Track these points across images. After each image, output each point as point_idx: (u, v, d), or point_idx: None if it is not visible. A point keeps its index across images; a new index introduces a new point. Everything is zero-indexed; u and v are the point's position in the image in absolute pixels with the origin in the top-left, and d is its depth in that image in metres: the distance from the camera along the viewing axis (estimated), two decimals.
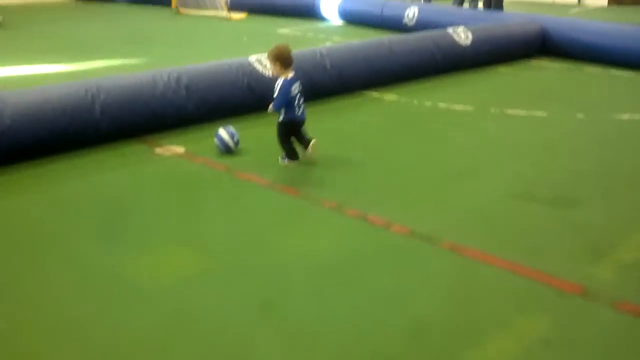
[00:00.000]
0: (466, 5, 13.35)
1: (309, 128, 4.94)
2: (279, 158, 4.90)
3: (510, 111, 6.39)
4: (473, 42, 8.33)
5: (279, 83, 4.69)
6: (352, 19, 12.84)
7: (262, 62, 6.25)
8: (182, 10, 15.19)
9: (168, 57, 9.19)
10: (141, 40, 11.28)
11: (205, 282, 3.29)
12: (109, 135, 5.31)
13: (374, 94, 7.11)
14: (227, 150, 5.08)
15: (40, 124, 4.94)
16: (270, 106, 4.74)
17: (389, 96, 7.05)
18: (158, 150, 5.25)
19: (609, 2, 18.00)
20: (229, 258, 3.53)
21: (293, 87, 4.72)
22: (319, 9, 13.48)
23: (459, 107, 6.57)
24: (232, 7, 14.45)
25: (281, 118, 4.80)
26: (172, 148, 5.28)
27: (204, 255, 3.57)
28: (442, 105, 6.66)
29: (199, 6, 14.87)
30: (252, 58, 6.31)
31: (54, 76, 8.26)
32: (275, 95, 4.71)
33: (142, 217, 4.05)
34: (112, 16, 15.10)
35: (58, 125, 5.01)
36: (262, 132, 5.37)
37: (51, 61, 9.28)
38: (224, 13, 14.13)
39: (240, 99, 6.05)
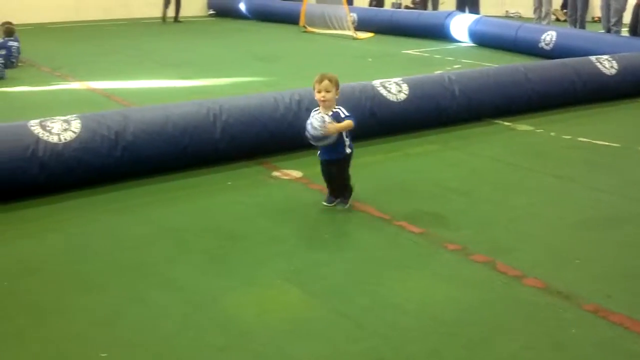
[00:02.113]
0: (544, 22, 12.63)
1: (434, 158, 4.56)
2: (339, 201, 4.40)
3: None
4: (618, 71, 7.59)
5: (339, 107, 4.19)
6: (484, 41, 12.30)
7: (386, 87, 5.96)
8: (310, 28, 15.26)
9: (292, 76, 9.15)
10: (267, 57, 11.37)
11: (311, 326, 3.02)
12: (227, 155, 5.24)
13: (505, 123, 6.61)
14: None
15: (161, 141, 4.93)
16: (350, 122, 4.13)
17: (523, 126, 6.52)
18: (275, 173, 5.09)
19: None
20: (338, 302, 3.24)
21: None
22: (449, 29, 13.04)
23: (602, 142, 5.94)
24: (359, 27, 14.33)
25: (349, 148, 4.26)
26: (289, 172, 5.10)
27: (313, 296, 3.30)
28: (582, 139, 6.05)
29: (326, 25, 14.88)
30: (377, 82, 6.04)
31: (179, 91, 8.44)
32: (344, 113, 4.15)
33: (252, 246, 3.86)
34: (241, 32, 15.47)
35: (178, 143, 4.99)
36: (383, 159, 5.07)
37: (177, 76, 9.52)
38: (350, 32, 14.04)
39: (361, 123, 5.78)
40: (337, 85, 4.12)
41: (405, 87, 6.05)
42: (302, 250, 3.83)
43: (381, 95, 5.90)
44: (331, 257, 3.74)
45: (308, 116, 4.19)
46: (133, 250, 3.81)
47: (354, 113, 4.31)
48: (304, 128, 4.11)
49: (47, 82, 9.63)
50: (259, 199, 4.63)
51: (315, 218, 4.30)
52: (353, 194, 4.37)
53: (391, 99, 5.89)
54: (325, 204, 4.35)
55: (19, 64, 11.05)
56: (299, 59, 11.36)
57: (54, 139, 4.58)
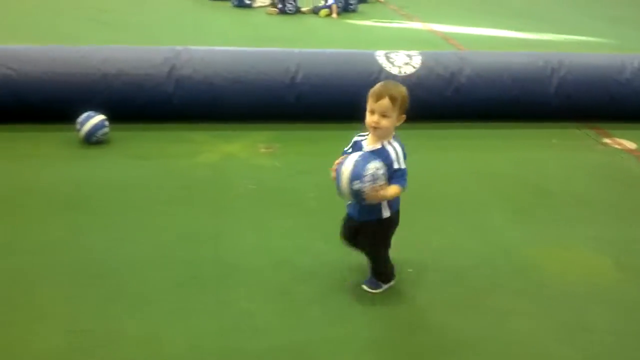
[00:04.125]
0: None
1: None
2: (367, 280, 2.85)
3: None
4: None
5: (396, 147, 2.56)
6: None
7: None
8: None
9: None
10: (617, 18, 10.44)
11: (615, 297, 2.86)
12: (558, 113, 5.07)
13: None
14: None
15: (494, 88, 4.97)
16: (399, 187, 2.53)
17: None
18: (606, 140, 4.78)
19: None
20: None
21: None
22: None
23: None
24: None
25: (389, 210, 2.64)
26: (622, 142, 4.74)
27: (623, 269, 3.10)
28: None
29: None
30: None
31: (512, 41, 8.29)
32: (399, 163, 2.54)
33: (561, 206, 3.73)
34: None
35: (510, 92, 4.97)
36: None
37: (512, 27, 9.33)
38: None
39: None
40: (402, 106, 2.54)
41: None
42: (612, 220, 3.59)
43: None
44: None
45: None
46: (443, 185, 3.97)
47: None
48: None
49: (392, 19, 10.25)
50: (580, 162, 4.42)
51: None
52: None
53: None
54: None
55: (371, 0, 11.92)
56: None
57: (394, 70, 4.92)
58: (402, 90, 2.55)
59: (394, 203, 2.62)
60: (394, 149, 2.53)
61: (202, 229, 3.24)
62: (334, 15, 10.28)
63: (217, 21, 9.52)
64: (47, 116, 4.48)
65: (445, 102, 4.96)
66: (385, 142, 2.55)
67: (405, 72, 4.91)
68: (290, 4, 10.48)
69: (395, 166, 2.51)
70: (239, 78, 4.77)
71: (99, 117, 4.27)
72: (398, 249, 2.83)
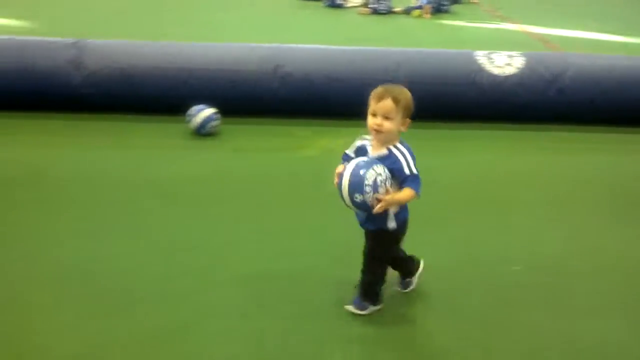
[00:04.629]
0: None
1: None
2: (355, 300, 2.60)
3: None
4: None
5: (403, 151, 2.36)
6: None
7: None
8: None
9: None
10: None
11: None
12: None
13: None
14: None
15: (599, 90, 4.89)
16: (413, 192, 2.32)
17: None
18: None
19: None
20: None
21: None
22: None
23: None
24: None
25: (395, 221, 2.42)
26: None
27: None
28: None
29: None
30: None
31: (611, 45, 8.06)
32: (409, 168, 2.33)
33: None
34: None
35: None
36: None
37: (610, 31, 9.05)
38: None
39: None
40: (406, 109, 2.35)
41: None
42: None
43: None
44: None
45: None
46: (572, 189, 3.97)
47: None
48: None
49: (485, 20, 10.14)
50: None
51: None
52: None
53: None
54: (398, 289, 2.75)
55: (464, 1, 11.83)
56: None
57: (495, 70, 4.91)
58: (406, 93, 2.36)
59: (401, 212, 2.41)
60: (402, 154, 2.33)
61: (307, 221, 3.36)
62: (427, 15, 10.28)
63: (309, 21, 9.72)
64: (159, 109, 4.75)
65: (549, 101, 4.92)
66: (392, 147, 2.35)
67: (506, 73, 4.90)
68: (383, 3, 10.55)
69: (406, 171, 2.30)
70: (338, 76, 4.89)
71: (210, 110, 4.49)
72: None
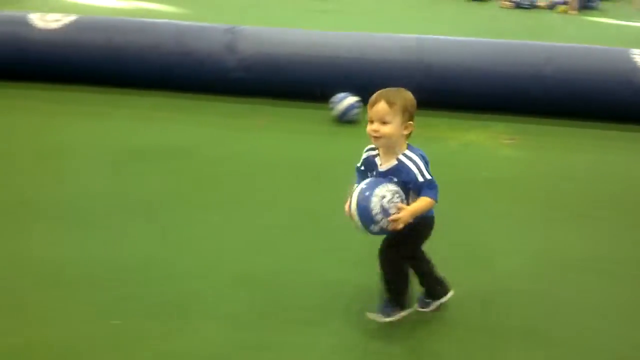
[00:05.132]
0: None
1: None
2: (381, 309, 2.42)
3: None
4: None
5: (413, 158, 2.21)
6: None
7: None
8: None
9: None
10: None
11: None
12: None
13: None
14: None
15: None
16: (431, 200, 2.21)
17: None
18: None
19: None
20: None
21: None
22: None
23: None
24: None
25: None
26: None
27: None
28: None
29: None
30: None
31: None
32: (422, 175, 2.20)
33: None
34: None
35: None
36: None
37: None
38: None
39: None
40: (405, 111, 2.20)
41: None
42: None
43: None
44: None
45: None
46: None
47: None
48: None
49: (632, 18, 9.56)
50: None
51: None
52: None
53: None
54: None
55: None
56: None
57: None
58: (405, 94, 2.22)
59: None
60: (413, 161, 2.20)
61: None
62: (572, 11, 9.85)
63: (449, 13, 9.61)
64: (303, 95, 4.92)
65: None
66: (401, 156, 2.21)
67: None
68: None
69: (421, 179, 2.18)
70: (479, 68, 4.84)
71: (353, 99, 4.59)
72: None
